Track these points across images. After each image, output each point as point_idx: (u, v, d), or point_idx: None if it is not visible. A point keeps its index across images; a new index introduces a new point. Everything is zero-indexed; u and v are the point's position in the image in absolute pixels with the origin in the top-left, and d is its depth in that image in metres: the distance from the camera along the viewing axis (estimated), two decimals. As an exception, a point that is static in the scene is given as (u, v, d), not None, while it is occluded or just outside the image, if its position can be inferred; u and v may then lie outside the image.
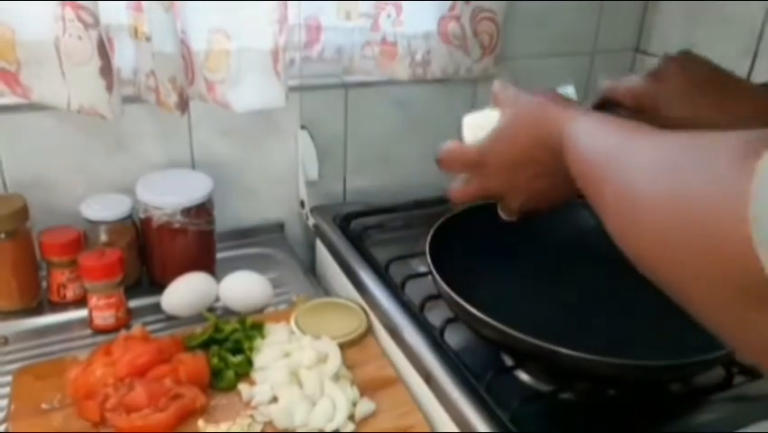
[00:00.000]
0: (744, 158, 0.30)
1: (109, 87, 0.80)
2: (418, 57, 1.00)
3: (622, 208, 0.40)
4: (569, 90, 0.64)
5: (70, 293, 0.87)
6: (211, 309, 0.87)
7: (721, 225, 0.30)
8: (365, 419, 0.71)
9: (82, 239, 0.86)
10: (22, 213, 0.83)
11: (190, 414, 0.69)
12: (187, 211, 0.87)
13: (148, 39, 0.81)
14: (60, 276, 0.86)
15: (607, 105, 0.67)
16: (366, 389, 0.74)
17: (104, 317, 0.82)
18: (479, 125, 0.63)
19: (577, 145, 0.49)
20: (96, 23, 0.76)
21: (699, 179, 0.33)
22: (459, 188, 0.64)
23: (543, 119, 0.55)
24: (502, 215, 0.64)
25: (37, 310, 0.86)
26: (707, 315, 0.35)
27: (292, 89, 0.93)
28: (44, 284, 0.88)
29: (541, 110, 0.56)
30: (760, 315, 0.30)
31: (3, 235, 0.81)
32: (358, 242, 0.93)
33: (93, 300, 0.82)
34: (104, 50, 0.78)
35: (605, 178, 0.43)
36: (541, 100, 0.57)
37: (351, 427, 0.69)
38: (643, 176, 0.38)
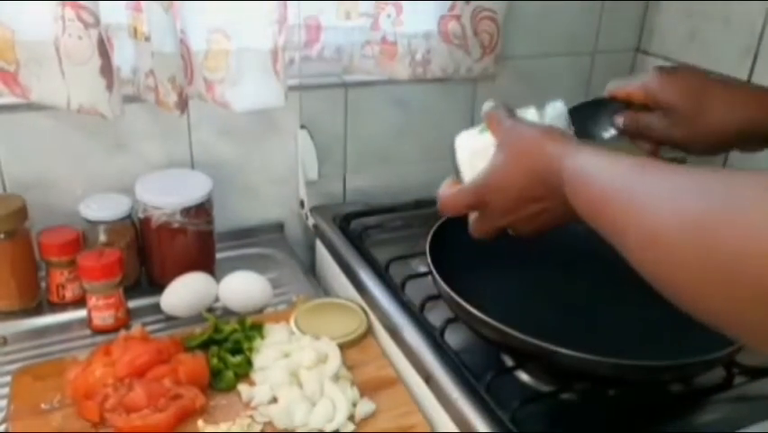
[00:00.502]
0: None
1: (109, 87, 0.80)
2: (418, 56, 1.00)
3: (647, 245, 0.40)
4: (558, 105, 0.64)
5: (69, 293, 0.86)
6: (210, 310, 0.87)
7: (755, 254, 0.31)
8: (365, 420, 0.71)
9: (81, 239, 0.86)
10: (21, 213, 0.83)
11: (190, 414, 0.69)
12: (186, 211, 0.87)
13: (147, 38, 0.81)
14: (59, 276, 0.85)
15: (601, 103, 0.68)
16: (366, 389, 0.74)
17: (103, 317, 0.82)
18: (474, 151, 0.62)
19: (585, 184, 0.49)
20: (97, 22, 0.76)
21: (726, 212, 0.34)
22: (474, 228, 0.63)
23: (540, 156, 0.54)
24: (514, 234, 0.64)
25: (36, 311, 0.86)
26: (747, 337, 0.36)
27: (292, 89, 0.93)
28: (43, 284, 0.88)
29: (537, 147, 0.55)
30: None
31: (2, 236, 0.81)
32: (358, 242, 0.93)
33: (92, 301, 0.82)
34: (104, 50, 0.78)
35: (626, 223, 0.42)
36: (536, 136, 0.56)
37: (351, 427, 0.69)
38: (670, 222, 0.38)
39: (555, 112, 0.64)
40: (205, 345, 0.78)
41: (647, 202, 0.41)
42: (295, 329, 0.82)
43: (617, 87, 0.67)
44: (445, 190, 0.63)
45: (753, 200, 0.33)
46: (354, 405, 0.71)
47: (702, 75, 0.66)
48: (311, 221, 1.03)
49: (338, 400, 0.70)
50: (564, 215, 0.54)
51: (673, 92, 0.63)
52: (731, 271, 0.33)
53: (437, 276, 0.69)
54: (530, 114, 0.63)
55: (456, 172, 0.64)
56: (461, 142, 0.64)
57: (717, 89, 0.63)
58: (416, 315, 0.77)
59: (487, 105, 0.63)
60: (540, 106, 0.64)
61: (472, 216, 0.63)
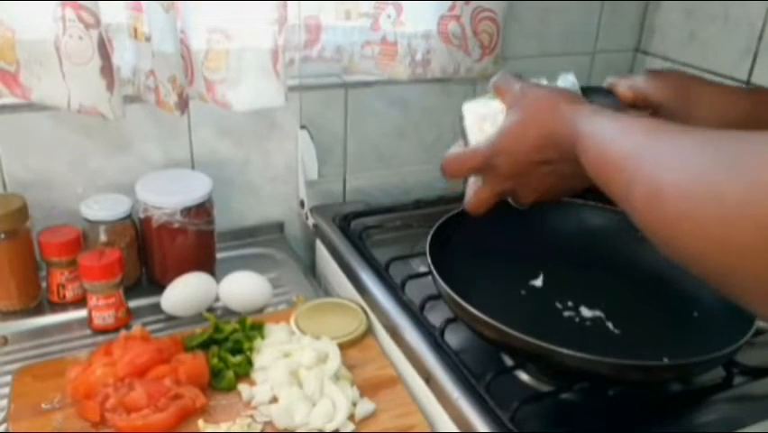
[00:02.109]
0: None
1: (110, 87, 0.80)
2: (418, 56, 1.00)
3: (654, 207, 0.41)
4: (569, 78, 0.64)
5: (70, 293, 0.87)
6: (211, 310, 0.87)
7: (757, 199, 0.33)
8: (365, 420, 0.71)
9: (81, 239, 0.86)
10: (22, 213, 0.83)
11: (190, 414, 0.69)
12: (186, 211, 0.87)
13: (147, 39, 0.81)
14: (60, 276, 0.86)
15: (600, 91, 0.68)
16: (366, 389, 0.74)
17: (103, 317, 0.82)
18: (482, 116, 0.62)
19: (598, 146, 0.49)
20: (98, 23, 0.76)
21: (732, 165, 0.35)
22: (471, 199, 0.63)
23: (553, 117, 0.55)
24: (513, 203, 0.64)
25: (37, 310, 0.86)
26: (748, 298, 0.36)
27: (292, 89, 0.93)
28: (44, 284, 0.88)
29: (551, 108, 0.55)
30: None
31: (2, 235, 0.81)
32: (358, 242, 0.93)
33: (92, 301, 0.82)
34: (104, 50, 0.78)
35: (634, 178, 0.43)
36: (551, 96, 0.56)
37: (351, 427, 0.69)
38: (677, 177, 0.39)
39: (566, 84, 0.63)
40: (205, 345, 0.78)
41: (656, 159, 0.42)
42: (295, 329, 0.82)
43: (610, 83, 0.67)
44: (451, 152, 0.62)
45: (759, 153, 0.34)
46: (354, 405, 0.71)
47: (691, 76, 0.67)
48: (311, 221, 1.03)
49: (338, 400, 0.70)
50: (567, 181, 0.55)
51: (662, 91, 0.64)
52: (733, 217, 0.34)
53: (437, 276, 0.69)
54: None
55: (463, 138, 0.63)
56: (470, 107, 0.63)
57: (704, 89, 0.64)
58: (416, 315, 0.77)
59: (494, 78, 0.63)
60: (551, 78, 0.64)
61: (472, 187, 0.63)
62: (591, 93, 0.66)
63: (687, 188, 0.38)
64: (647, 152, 0.43)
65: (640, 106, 0.65)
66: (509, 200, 0.64)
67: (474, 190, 0.63)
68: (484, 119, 0.61)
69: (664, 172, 0.40)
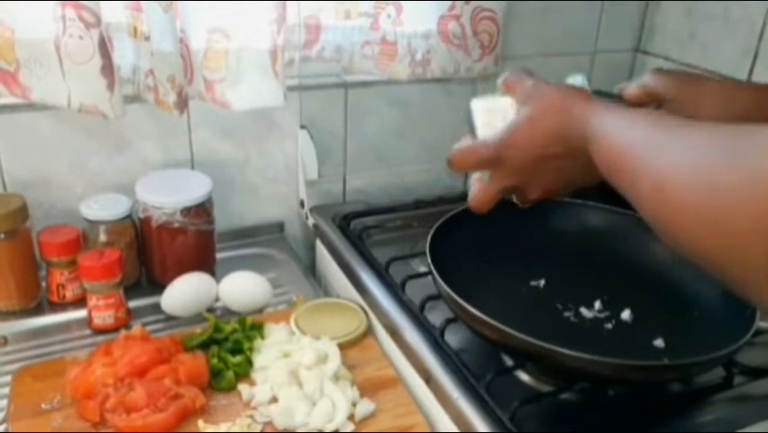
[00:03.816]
0: None
1: (110, 86, 0.79)
2: (418, 56, 1.00)
3: (657, 190, 0.42)
4: (578, 79, 0.64)
5: (70, 293, 0.86)
6: (211, 310, 0.87)
7: (758, 184, 0.33)
8: (365, 420, 0.71)
9: (81, 239, 0.86)
10: (22, 213, 0.83)
11: (190, 414, 0.69)
12: (186, 211, 0.87)
13: (147, 38, 0.81)
14: (60, 276, 0.85)
15: (608, 96, 0.68)
16: (366, 389, 0.74)
17: (103, 317, 0.82)
18: (492, 111, 0.61)
19: (608, 140, 0.50)
20: (98, 22, 0.76)
21: (735, 155, 0.36)
22: (477, 195, 0.63)
23: (565, 112, 0.55)
24: (516, 202, 0.64)
25: (36, 311, 0.86)
26: (746, 288, 0.37)
27: (292, 89, 0.93)
28: (44, 284, 0.88)
29: (564, 103, 0.55)
30: None
31: (2, 235, 0.81)
32: (358, 242, 0.93)
33: (92, 301, 0.82)
34: (105, 50, 0.78)
35: (639, 171, 0.44)
36: (564, 92, 0.56)
37: (350, 427, 0.69)
38: (679, 169, 0.40)
39: (576, 85, 0.64)
40: (205, 345, 0.78)
41: (662, 152, 0.43)
42: (295, 329, 0.82)
43: (620, 88, 0.67)
44: (459, 145, 0.62)
45: (758, 144, 0.35)
46: (354, 405, 0.71)
47: (696, 74, 0.68)
48: (311, 221, 1.03)
49: (338, 400, 0.70)
50: (573, 178, 0.56)
51: (669, 86, 0.64)
52: (729, 205, 0.35)
53: (437, 276, 0.69)
54: None
55: (471, 134, 0.62)
56: (479, 104, 0.63)
57: (710, 84, 0.65)
58: (416, 315, 0.77)
59: (505, 74, 0.63)
60: (560, 81, 0.64)
61: (476, 184, 0.63)
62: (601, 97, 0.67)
63: (688, 177, 0.39)
64: (652, 144, 0.44)
65: (647, 104, 0.65)
66: (513, 198, 0.64)
67: (479, 187, 0.62)
68: (494, 114, 0.61)
69: (668, 164, 0.41)
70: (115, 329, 0.81)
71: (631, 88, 0.66)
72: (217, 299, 0.88)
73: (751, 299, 0.37)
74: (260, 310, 0.88)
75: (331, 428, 0.68)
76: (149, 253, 0.91)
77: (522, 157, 0.58)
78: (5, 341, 0.81)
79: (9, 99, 0.84)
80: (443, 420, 0.68)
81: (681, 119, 0.45)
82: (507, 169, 0.59)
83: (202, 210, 0.89)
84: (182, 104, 0.85)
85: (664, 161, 0.42)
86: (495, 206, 0.63)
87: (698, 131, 0.42)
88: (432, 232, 0.76)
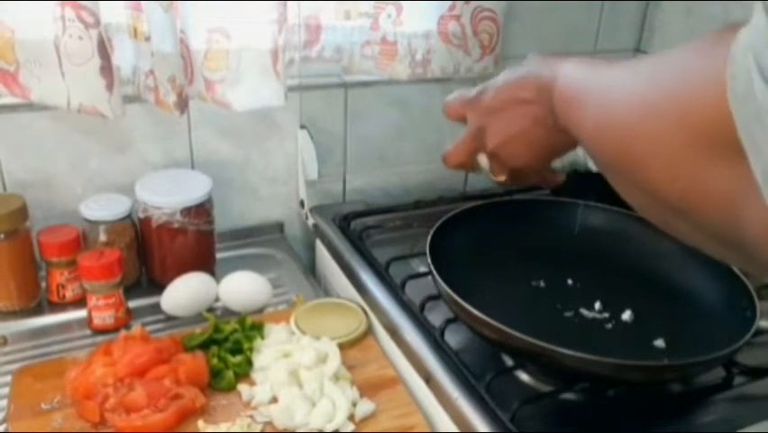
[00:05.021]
0: (718, 37, 0.35)
1: (109, 87, 0.79)
2: (418, 56, 1.00)
3: (603, 124, 0.43)
4: None
5: (70, 293, 0.86)
6: (211, 310, 0.87)
7: (695, 92, 0.34)
8: (365, 420, 0.71)
9: (81, 239, 0.86)
10: (22, 213, 0.83)
11: (190, 414, 0.69)
12: (186, 211, 0.87)
13: (147, 38, 0.81)
14: (59, 276, 0.85)
15: None
16: (366, 389, 0.74)
17: (103, 317, 0.82)
18: None
19: (564, 80, 0.53)
20: (97, 22, 0.76)
21: (674, 69, 0.37)
22: (449, 149, 0.66)
23: (542, 64, 0.59)
24: (492, 177, 0.65)
25: (36, 311, 0.86)
26: (671, 192, 0.37)
27: (292, 89, 0.93)
28: (43, 284, 0.88)
29: (542, 61, 0.60)
30: (718, 167, 0.33)
31: (2, 236, 0.81)
32: (358, 242, 0.93)
33: (92, 301, 0.82)
34: (104, 50, 0.78)
35: (585, 102, 0.47)
36: (547, 56, 0.60)
37: (350, 427, 0.69)
38: (620, 88, 0.42)
39: None
40: (205, 345, 0.78)
41: (607, 87, 0.44)
42: (295, 329, 0.82)
43: None
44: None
45: (701, 51, 0.35)
46: (354, 405, 0.71)
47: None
48: (311, 221, 1.03)
49: (338, 400, 0.70)
50: (538, 132, 0.58)
51: None
52: (675, 120, 0.35)
53: (437, 276, 0.69)
54: None
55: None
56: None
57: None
58: (416, 315, 0.77)
59: (444, 106, 0.67)
60: None
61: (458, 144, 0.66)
62: None
63: (620, 102, 0.41)
64: (600, 75, 0.46)
65: None
66: (491, 177, 0.65)
67: (458, 142, 0.66)
68: None
69: (607, 99, 0.43)
70: (115, 329, 0.81)
71: None
72: (217, 299, 0.88)
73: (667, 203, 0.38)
74: (260, 310, 0.88)
75: (331, 428, 0.68)
76: (149, 253, 0.91)
77: (494, 95, 0.61)
78: (5, 341, 0.81)
79: (9, 99, 0.84)
80: (443, 420, 0.68)
81: (633, 60, 0.47)
82: (482, 108, 0.62)
83: (202, 210, 0.89)
84: (182, 104, 0.85)
85: (609, 94, 0.43)
86: (466, 165, 0.66)
87: (633, 64, 0.43)
88: (432, 232, 0.76)
